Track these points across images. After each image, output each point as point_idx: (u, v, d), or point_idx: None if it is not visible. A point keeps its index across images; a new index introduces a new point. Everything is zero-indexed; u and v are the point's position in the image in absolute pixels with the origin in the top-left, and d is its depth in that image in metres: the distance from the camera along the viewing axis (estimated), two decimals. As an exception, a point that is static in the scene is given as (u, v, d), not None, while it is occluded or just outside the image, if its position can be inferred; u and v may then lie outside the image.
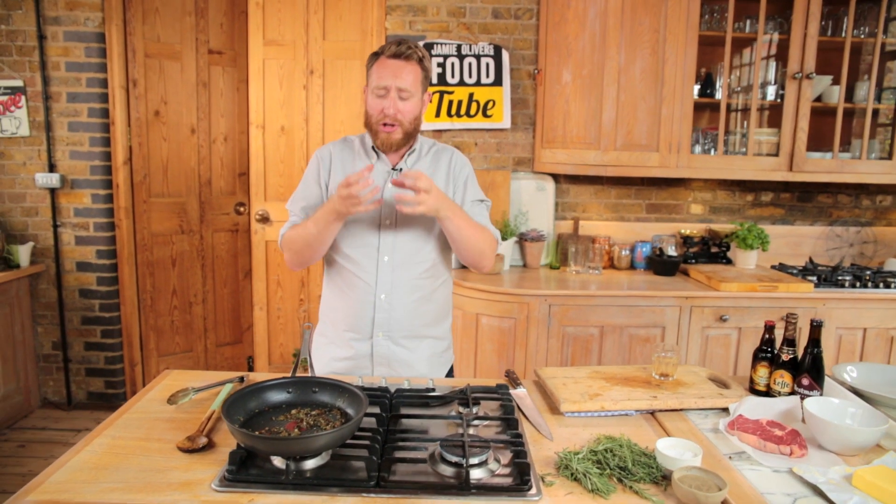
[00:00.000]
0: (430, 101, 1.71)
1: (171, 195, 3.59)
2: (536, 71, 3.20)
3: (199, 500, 1.05)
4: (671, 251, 3.15)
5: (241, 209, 3.82)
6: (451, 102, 3.21)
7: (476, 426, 1.34)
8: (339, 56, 3.38)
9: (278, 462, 1.14)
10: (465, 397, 1.42)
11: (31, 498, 1.05)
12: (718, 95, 3.06)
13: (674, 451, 1.17)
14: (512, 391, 1.52)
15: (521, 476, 1.11)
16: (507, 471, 1.15)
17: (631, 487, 1.11)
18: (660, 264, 3.09)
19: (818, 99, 3.02)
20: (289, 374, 1.35)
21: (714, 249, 3.27)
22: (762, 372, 1.54)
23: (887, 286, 2.84)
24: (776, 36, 2.99)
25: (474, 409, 1.39)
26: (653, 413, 1.44)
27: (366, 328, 1.71)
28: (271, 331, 3.65)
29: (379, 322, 1.70)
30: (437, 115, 3.21)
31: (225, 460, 1.14)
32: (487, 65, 3.19)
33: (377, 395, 1.40)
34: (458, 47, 3.18)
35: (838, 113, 2.97)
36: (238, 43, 3.65)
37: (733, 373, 2.82)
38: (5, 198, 3.33)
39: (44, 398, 3.51)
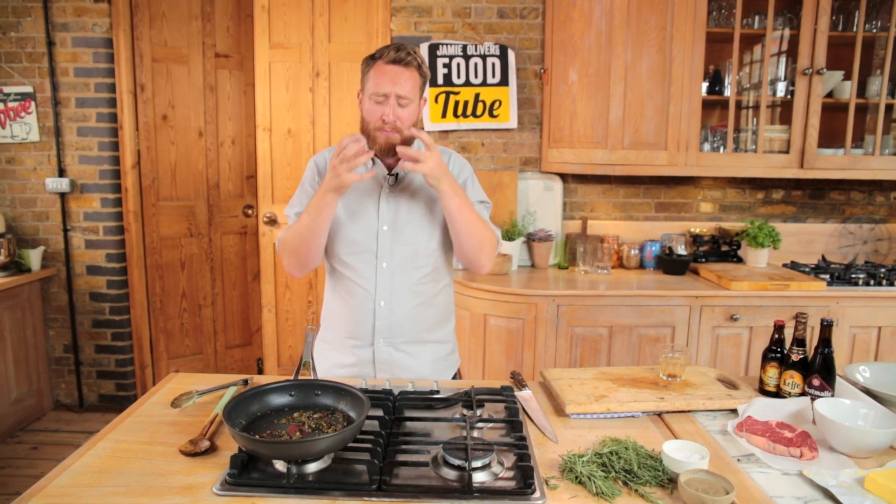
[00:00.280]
0: (426, 104, 1.68)
1: (179, 198, 3.61)
2: (542, 70, 3.19)
3: (200, 504, 1.04)
4: (681, 250, 3.12)
5: (250, 212, 3.83)
6: (457, 103, 3.20)
7: (480, 429, 1.33)
8: (344, 58, 3.38)
9: (280, 466, 1.13)
10: (469, 399, 1.41)
11: (34, 502, 1.05)
12: (727, 93, 3.02)
13: (680, 453, 1.15)
14: (517, 393, 1.50)
15: (525, 479, 1.10)
16: (510, 474, 1.13)
17: (636, 491, 1.09)
18: (669, 263, 3.06)
19: (829, 95, 2.98)
20: (291, 377, 1.34)
21: (724, 248, 3.23)
22: (772, 372, 1.51)
23: (902, 284, 2.79)
24: (786, 31, 2.95)
25: (478, 412, 1.38)
26: (660, 415, 1.42)
27: (366, 335, 1.69)
28: (280, 333, 3.65)
29: (379, 329, 1.69)
30: (444, 115, 3.21)
31: (227, 464, 1.13)
32: (493, 65, 3.18)
33: (380, 397, 1.39)
34: (464, 48, 3.17)
35: (850, 109, 2.93)
36: (244, 46, 3.67)
37: (744, 373, 2.79)
38: (16, 203, 3.37)
39: (56, 401, 3.54)
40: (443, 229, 1.72)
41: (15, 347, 3.21)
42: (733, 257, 3.20)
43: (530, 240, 3.18)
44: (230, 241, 3.83)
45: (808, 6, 2.81)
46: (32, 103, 3.26)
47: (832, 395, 1.41)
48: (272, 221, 3.53)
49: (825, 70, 2.85)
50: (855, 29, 2.90)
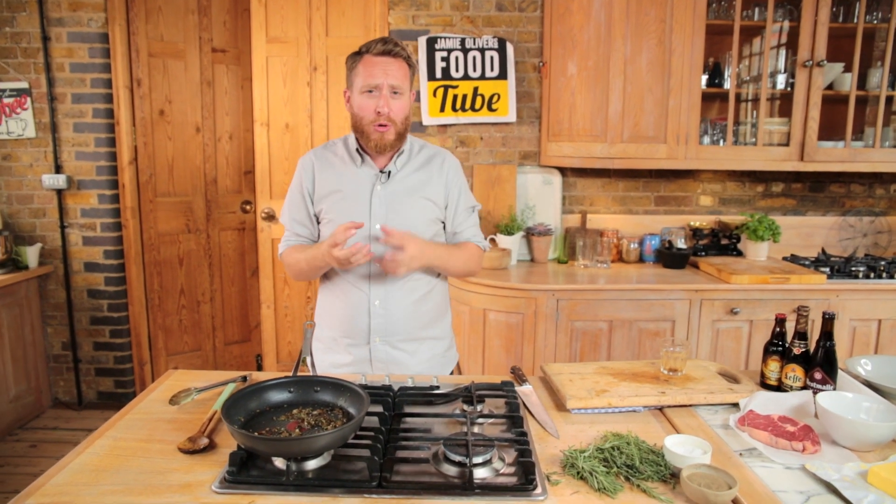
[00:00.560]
0: (415, 98, 1.68)
1: (177, 194, 3.60)
2: (541, 63, 3.17)
3: (198, 502, 1.03)
4: (680, 244, 3.11)
5: (248, 207, 3.81)
6: (455, 97, 3.18)
7: (480, 424, 1.32)
8: (342, 52, 3.35)
9: (279, 463, 1.12)
10: (470, 395, 1.40)
11: (32, 501, 1.04)
12: (727, 85, 3.01)
13: (682, 448, 1.15)
14: (517, 388, 1.50)
15: (526, 475, 1.09)
16: (511, 470, 1.13)
17: (638, 486, 1.08)
18: (669, 257, 3.05)
19: (830, 87, 2.97)
20: (290, 374, 1.34)
21: (724, 241, 3.22)
22: (773, 366, 1.51)
23: (902, 277, 2.79)
24: (786, 23, 2.93)
25: (479, 407, 1.37)
26: (661, 409, 1.41)
27: (362, 334, 1.68)
28: (279, 329, 3.65)
29: (375, 327, 1.68)
30: (442, 109, 3.19)
31: (226, 461, 1.13)
32: (492, 58, 3.16)
33: (380, 393, 1.38)
34: (462, 41, 3.15)
35: (850, 101, 2.92)
36: (241, 41, 3.64)
37: (745, 366, 2.78)
38: (13, 199, 3.35)
39: (55, 398, 3.53)
40: (433, 225, 1.72)
41: (13, 345, 3.20)
42: (733, 251, 3.19)
43: (529, 234, 3.17)
44: (228, 237, 3.81)
45: (809, -2, 2.80)
46: (28, 99, 3.23)
47: (834, 389, 1.40)
48: (270, 217, 3.51)
49: (825, 62, 2.84)
50: (855, 20, 2.88)
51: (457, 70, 3.16)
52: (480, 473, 1.10)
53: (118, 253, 3.41)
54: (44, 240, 3.37)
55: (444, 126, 3.24)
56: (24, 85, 3.23)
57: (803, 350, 1.45)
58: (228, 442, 1.23)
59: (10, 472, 2.82)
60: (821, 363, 1.42)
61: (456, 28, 3.18)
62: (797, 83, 2.88)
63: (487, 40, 3.15)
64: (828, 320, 1.43)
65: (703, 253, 3.17)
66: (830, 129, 3.04)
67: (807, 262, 3.01)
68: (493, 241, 3.09)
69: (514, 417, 1.31)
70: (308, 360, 1.38)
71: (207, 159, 3.66)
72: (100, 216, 3.36)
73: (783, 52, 2.98)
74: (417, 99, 3.17)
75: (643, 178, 3.32)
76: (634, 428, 1.29)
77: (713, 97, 3.12)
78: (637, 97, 2.87)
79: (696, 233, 3.23)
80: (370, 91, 1.57)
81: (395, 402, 1.38)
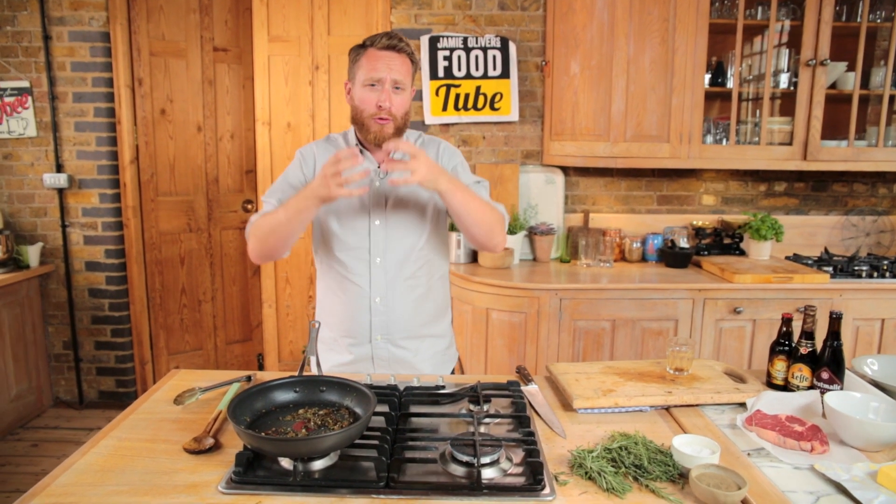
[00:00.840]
0: (414, 94, 1.63)
1: (178, 193, 3.59)
2: (544, 63, 3.16)
3: (205, 502, 1.03)
4: (683, 243, 3.11)
5: (249, 206, 3.81)
6: (458, 96, 3.17)
7: (487, 424, 1.31)
8: (344, 51, 3.33)
9: (286, 463, 1.12)
10: (476, 395, 1.39)
11: (37, 501, 1.03)
12: (730, 84, 3.00)
13: (690, 448, 1.14)
14: (523, 388, 1.49)
15: (534, 475, 1.08)
16: (519, 470, 1.12)
17: (647, 486, 1.08)
18: (672, 256, 3.05)
19: (833, 86, 2.96)
20: (296, 373, 1.33)
21: (727, 241, 3.22)
22: (780, 366, 1.50)
23: (905, 276, 2.78)
24: (788, 23, 2.93)
25: (485, 407, 1.36)
26: (668, 409, 1.41)
27: (363, 332, 1.67)
28: (281, 328, 3.64)
29: (376, 325, 1.66)
30: (444, 108, 3.18)
31: (232, 461, 1.12)
32: (494, 57, 3.15)
33: (386, 393, 1.38)
34: (465, 40, 3.14)
35: (854, 100, 2.91)
36: (243, 40, 3.64)
37: (748, 366, 2.78)
38: (14, 199, 3.34)
39: (56, 397, 3.52)
40: (434, 220, 1.70)
41: (14, 344, 3.19)
42: (736, 250, 3.19)
43: (532, 233, 3.16)
44: (230, 236, 3.80)
45: (812, -4, 2.79)
46: (29, 98, 3.23)
47: (841, 389, 1.40)
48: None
49: (829, 61, 2.83)
50: (859, 19, 2.88)
51: (459, 69, 3.16)
52: (488, 473, 1.10)
53: (119, 252, 3.40)
54: (45, 239, 3.36)
55: (447, 125, 3.23)
56: (25, 84, 3.22)
57: (810, 350, 1.45)
58: (233, 442, 1.22)
59: (11, 472, 2.82)
60: (828, 363, 1.41)
61: (458, 27, 3.17)
62: (800, 82, 2.88)
63: (490, 39, 3.14)
64: (835, 320, 1.42)
65: (706, 252, 3.17)
66: (833, 129, 3.04)
67: (810, 262, 3.01)
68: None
69: (521, 417, 1.30)
70: (313, 359, 1.37)
71: (209, 158, 3.65)
72: (101, 215, 3.35)
73: (786, 51, 2.97)
74: (416, 97, 3.17)
75: (646, 177, 3.31)
76: (641, 428, 1.28)
77: (716, 96, 3.11)
78: (640, 96, 2.86)
79: (698, 232, 3.22)
80: (372, 84, 1.55)
81: (401, 401, 1.38)
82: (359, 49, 1.60)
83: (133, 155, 3.37)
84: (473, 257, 3.08)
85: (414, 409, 1.37)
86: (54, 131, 3.26)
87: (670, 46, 2.82)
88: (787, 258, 3.14)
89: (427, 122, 3.20)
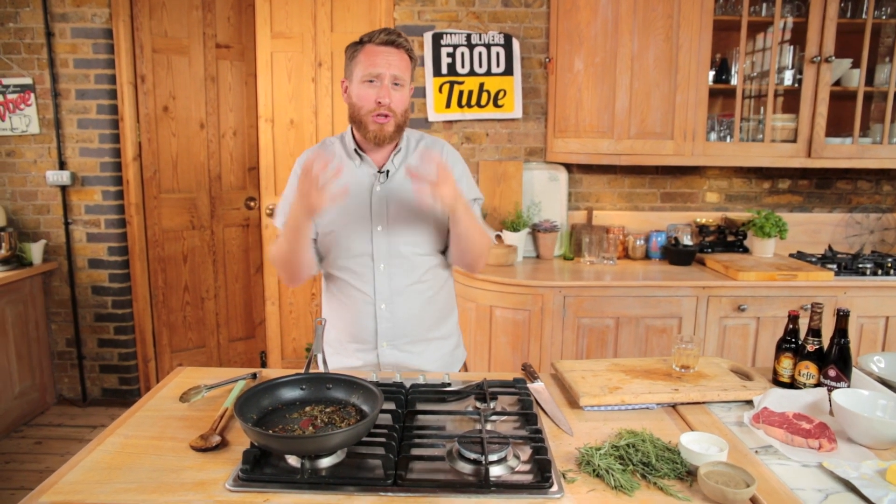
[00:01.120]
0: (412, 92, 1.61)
1: (181, 191, 3.59)
2: (548, 59, 3.15)
3: (213, 500, 1.03)
4: (687, 240, 3.10)
5: (252, 204, 3.80)
6: (461, 93, 3.16)
7: (494, 421, 1.31)
8: (347, 48, 3.34)
9: (293, 461, 1.11)
10: (482, 392, 1.39)
11: (45, 499, 1.03)
12: (734, 81, 2.99)
13: (698, 445, 1.14)
14: (529, 385, 1.49)
15: (542, 473, 1.08)
16: (527, 467, 1.12)
17: (655, 483, 1.08)
18: (675, 254, 3.04)
19: (837, 83, 2.95)
20: (302, 371, 1.33)
21: (730, 238, 3.21)
22: (786, 363, 1.50)
23: (910, 273, 2.78)
24: (793, 19, 2.91)
25: (491, 405, 1.36)
26: (674, 406, 1.41)
27: (369, 339, 1.65)
28: (284, 325, 3.64)
29: (382, 332, 1.64)
30: (448, 105, 3.17)
31: (239, 459, 1.12)
32: (498, 54, 3.14)
33: (392, 390, 1.37)
34: (468, 37, 3.13)
35: (858, 97, 2.90)
36: (246, 36, 3.63)
37: (752, 363, 2.78)
38: (17, 196, 3.34)
39: (59, 395, 3.53)
40: (437, 223, 1.66)
41: (17, 342, 3.19)
42: (739, 247, 3.18)
43: (535, 231, 3.15)
44: (232, 233, 3.80)
45: (817, -7, 2.78)
46: (32, 95, 3.22)
47: (848, 386, 1.39)
48: (275, 213, 3.50)
49: (833, 58, 2.82)
50: (864, 16, 2.87)
51: (462, 66, 3.15)
52: (496, 471, 1.09)
53: (122, 249, 3.40)
54: (48, 236, 3.36)
55: (450, 122, 3.23)
56: (27, 81, 3.22)
57: (817, 347, 1.44)
58: (240, 439, 1.22)
59: (15, 469, 2.82)
60: (835, 360, 1.41)
61: (462, 24, 3.16)
62: (805, 79, 2.86)
63: (493, 36, 3.14)
64: (842, 317, 1.42)
65: (710, 250, 3.16)
66: (838, 126, 3.03)
67: (814, 259, 3.00)
68: (498, 237, 3.08)
69: (528, 415, 1.29)
70: (319, 356, 1.36)
71: (212, 155, 3.65)
72: (104, 212, 3.35)
73: (790, 47, 2.96)
74: (420, 94, 3.16)
75: (649, 174, 3.30)
76: (648, 425, 1.28)
77: (720, 93, 3.11)
78: (644, 93, 2.86)
79: (702, 229, 3.22)
80: (371, 81, 1.52)
81: (407, 399, 1.37)
82: (356, 45, 1.57)
83: (136, 152, 3.37)
84: (477, 255, 3.07)
85: (420, 406, 1.37)
86: (57, 128, 3.26)
87: (674, 43, 2.81)
88: (791, 256, 3.13)
89: (430, 118, 3.19)
